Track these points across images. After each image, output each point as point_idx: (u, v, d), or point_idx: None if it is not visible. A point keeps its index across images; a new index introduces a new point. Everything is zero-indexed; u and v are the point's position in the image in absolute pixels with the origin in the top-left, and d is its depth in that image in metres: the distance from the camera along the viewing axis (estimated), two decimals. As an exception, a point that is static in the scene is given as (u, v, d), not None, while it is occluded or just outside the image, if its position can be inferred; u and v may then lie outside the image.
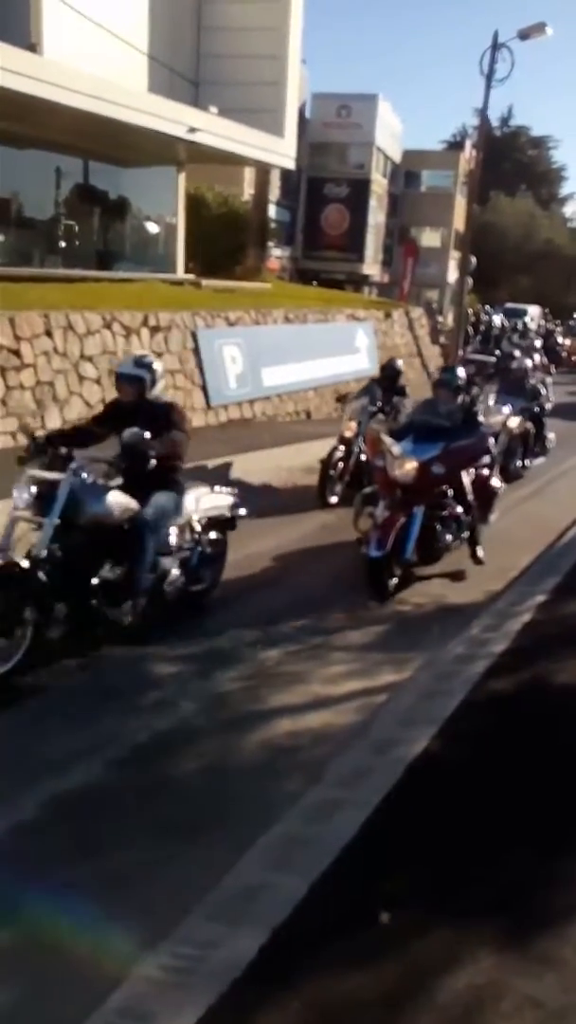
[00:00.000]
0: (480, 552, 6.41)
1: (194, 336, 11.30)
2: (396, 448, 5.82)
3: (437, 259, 39.52)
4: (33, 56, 10.84)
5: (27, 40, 11.25)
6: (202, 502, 5.32)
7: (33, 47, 11.27)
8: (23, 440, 5.02)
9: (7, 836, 3.10)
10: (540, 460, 10.58)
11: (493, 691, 4.17)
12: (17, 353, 8.64)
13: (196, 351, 11.29)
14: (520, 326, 29.04)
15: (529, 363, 11.69)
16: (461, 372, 7.27)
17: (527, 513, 8.62)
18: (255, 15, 15.65)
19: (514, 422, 9.57)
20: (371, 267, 37.53)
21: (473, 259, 20.99)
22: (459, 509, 6.22)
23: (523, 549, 7.05)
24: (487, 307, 31.83)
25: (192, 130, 13.29)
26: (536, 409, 10.44)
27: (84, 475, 4.44)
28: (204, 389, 11.36)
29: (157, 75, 14.87)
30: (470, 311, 25.41)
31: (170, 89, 14.51)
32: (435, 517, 6.03)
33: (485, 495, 6.76)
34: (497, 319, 27.13)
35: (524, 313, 32.43)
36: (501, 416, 9.34)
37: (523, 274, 45.53)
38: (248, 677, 4.54)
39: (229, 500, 5.56)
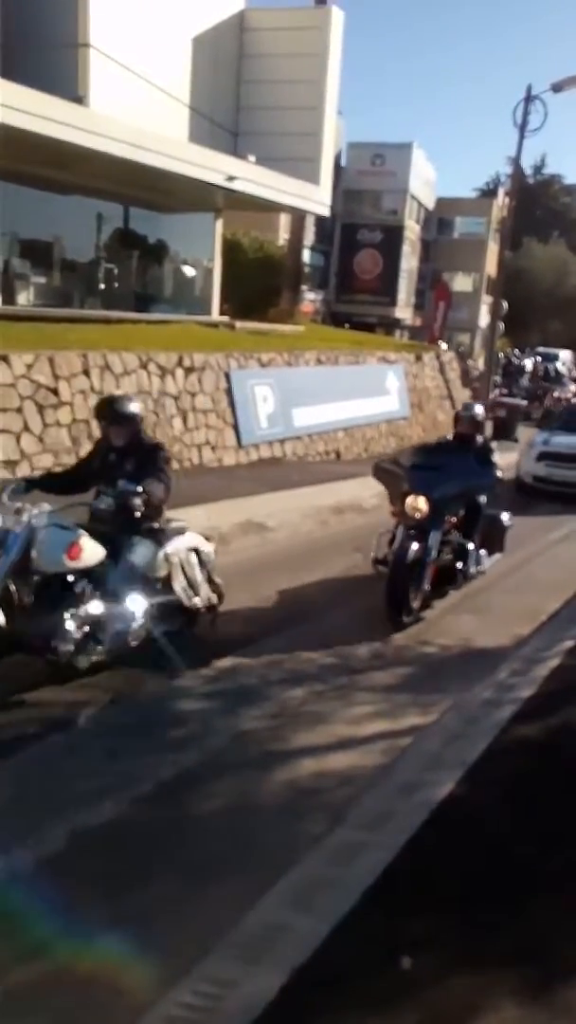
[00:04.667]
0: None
1: (227, 377, 11.50)
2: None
3: (469, 303, 39.89)
4: (79, 108, 11.29)
5: (74, 92, 11.74)
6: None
7: (80, 99, 11.76)
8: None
9: (32, 871, 3.11)
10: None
11: (519, 736, 4.13)
12: (55, 391, 8.86)
13: (229, 391, 11.48)
14: (552, 370, 29.14)
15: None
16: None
17: (557, 556, 8.57)
18: (293, 69, 16.11)
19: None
20: (403, 311, 37.95)
21: (505, 304, 21.15)
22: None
23: (552, 592, 7.01)
24: (515, 351, 32.02)
25: (230, 178, 13.67)
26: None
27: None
28: (236, 428, 11.52)
29: (198, 125, 15.35)
30: (500, 355, 25.55)
31: (210, 139, 14.95)
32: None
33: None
34: (528, 363, 27.26)
35: (556, 357, 32.53)
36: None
37: (555, 319, 45.74)
38: (273, 716, 4.54)
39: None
